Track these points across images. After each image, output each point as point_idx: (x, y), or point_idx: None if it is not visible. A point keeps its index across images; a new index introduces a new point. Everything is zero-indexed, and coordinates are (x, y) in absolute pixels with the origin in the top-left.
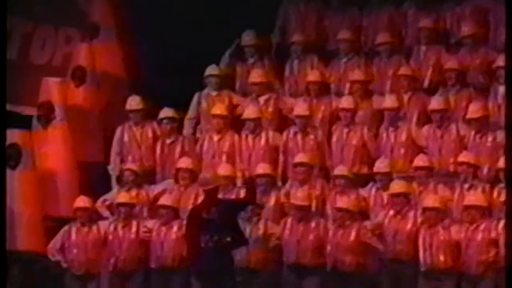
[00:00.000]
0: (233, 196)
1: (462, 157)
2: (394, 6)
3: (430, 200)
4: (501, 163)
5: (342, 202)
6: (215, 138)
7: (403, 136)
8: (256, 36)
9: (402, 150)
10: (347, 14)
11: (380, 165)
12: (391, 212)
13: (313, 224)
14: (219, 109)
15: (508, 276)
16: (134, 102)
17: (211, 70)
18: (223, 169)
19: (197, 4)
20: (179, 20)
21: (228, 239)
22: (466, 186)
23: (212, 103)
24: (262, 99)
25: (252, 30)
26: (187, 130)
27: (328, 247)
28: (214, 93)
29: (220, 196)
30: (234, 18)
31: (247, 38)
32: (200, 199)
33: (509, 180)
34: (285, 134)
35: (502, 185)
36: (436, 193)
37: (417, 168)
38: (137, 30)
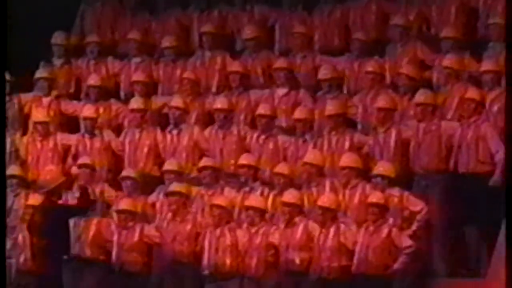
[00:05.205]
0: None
1: (243, 159)
2: (180, 9)
3: (217, 199)
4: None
5: (124, 203)
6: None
7: (185, 140)
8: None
9: (184, 154)
10: (139, 16)
11: (169, 167)
12: (169, 215)
13: (94, 221)
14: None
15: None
16: None
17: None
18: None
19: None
20: None
21: (55, 243)
22: (247, 188)
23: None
24: (45, 101)
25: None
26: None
27: (114, 248)
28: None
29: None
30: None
31: (58, 38)
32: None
33: (509, 180)
34: (74, 136)
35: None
36: (222, 194)
37: (201, 169)
38: None
